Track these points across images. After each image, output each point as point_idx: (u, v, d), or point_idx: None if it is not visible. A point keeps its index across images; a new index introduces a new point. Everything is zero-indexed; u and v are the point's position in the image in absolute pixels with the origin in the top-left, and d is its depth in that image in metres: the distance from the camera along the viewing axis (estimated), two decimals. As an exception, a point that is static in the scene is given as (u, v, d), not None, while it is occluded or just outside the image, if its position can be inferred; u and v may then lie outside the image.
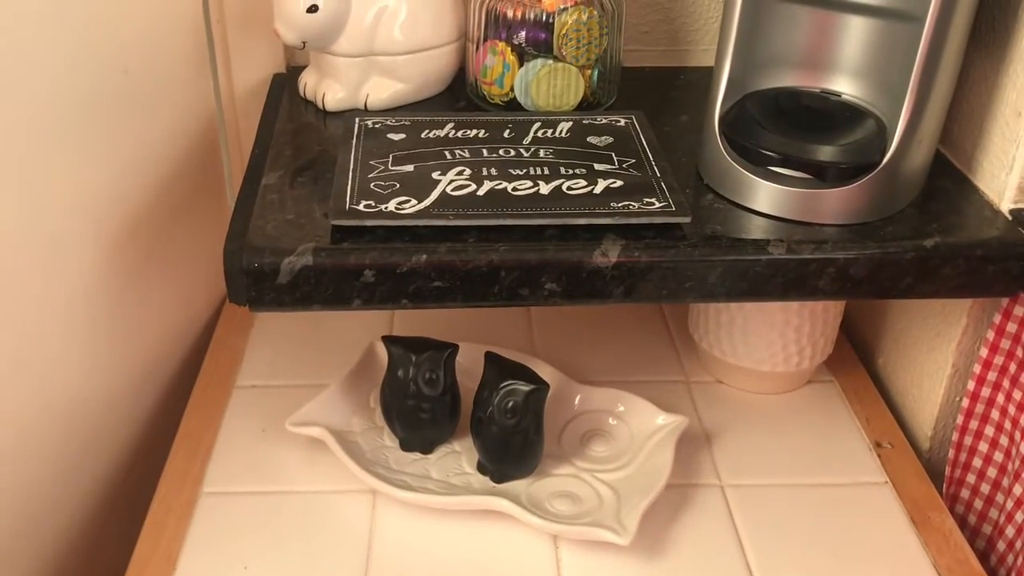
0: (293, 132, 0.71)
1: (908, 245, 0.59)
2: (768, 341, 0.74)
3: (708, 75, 0.67)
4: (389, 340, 0.69)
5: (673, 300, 0.60)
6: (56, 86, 0.63)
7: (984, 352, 0.65)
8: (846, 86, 0.66)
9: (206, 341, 0.83)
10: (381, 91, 0.73)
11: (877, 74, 0.64)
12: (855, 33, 0.64)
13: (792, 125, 0.64)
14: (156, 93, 0.74)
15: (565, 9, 0.69)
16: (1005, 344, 0.64)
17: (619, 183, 0.63)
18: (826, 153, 0.62)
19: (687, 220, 0.59)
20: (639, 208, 0.60)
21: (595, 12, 0.70)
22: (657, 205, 0.60)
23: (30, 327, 0.64)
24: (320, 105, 0.73)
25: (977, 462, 0.68)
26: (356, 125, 0.69)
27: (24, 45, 0.59)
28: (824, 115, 0.65)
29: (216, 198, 0.85)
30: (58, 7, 0.62)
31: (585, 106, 0.73)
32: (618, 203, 0.60)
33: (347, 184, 0.61)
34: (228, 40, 0.78)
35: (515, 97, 0.73)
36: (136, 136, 0.72)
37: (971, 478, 0.69)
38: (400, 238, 0.57)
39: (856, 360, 0.82)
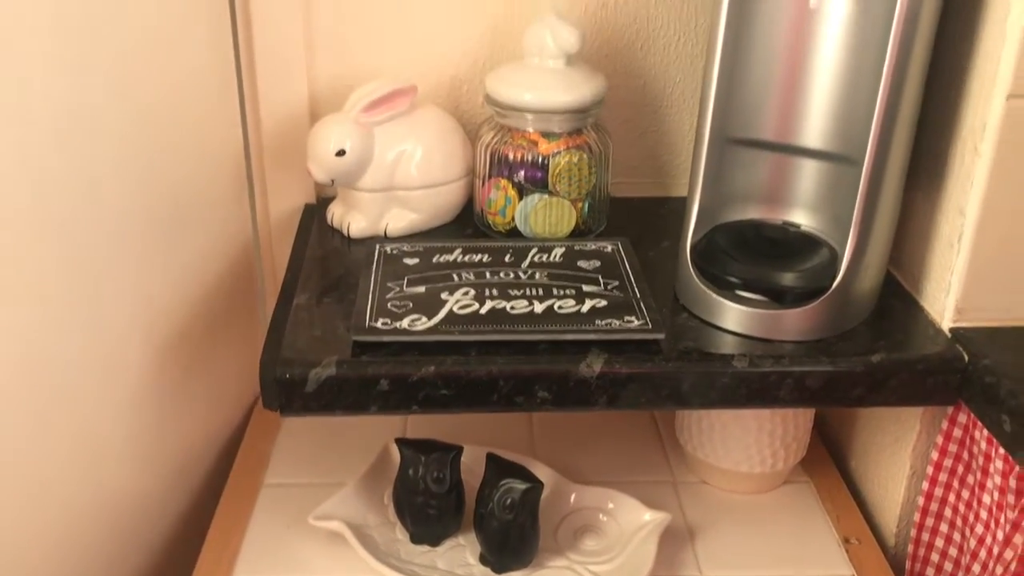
0: (321, 257, 0.81)
1: (857, 360, 0.68)
2: (745, 444, 0.82)
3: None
4: (401, 442, 0.77)
5: (651, 407, 0.68)
6: (121, 215, 0.73)
7: (935, 455, 0.73)
8: (803, 218, 0.75)
9: (237, 442, 0.91)
10: (399, 221, 0.83)
11: (829, 208, 0.74)
12: (808, 173, 0.74)
13: (756, 252, 0.73)
14: (201, 220, 0.85)
15: (558, 152, 0.80)
16: (952, 448, 0.71)
17: (604, 303, 0.72)
18: (785, 278, 0.71)
19: (662, 336, 0.68)
20: (620, 325, 0.69)
21: (584, 155, 0.80)
22: (636, 323, 0.69)
23: (87, 424, 0.73)
24: (345, 233, 0.83)
25: (935, 556, 0.74)
26: (376, 251, 0.79)
27: (99, 185, 0.70)
28: (784, 244, 0.74)
29: (249, 314, 0.94)
30: (124, 153, 0.73)
31: (577, 233, 0.83)
32: (602, 321, 0.69)
33: (367, 304, 0.71)
34: (265, 175, 0.89)
35: (516, 226, 0.83)
36: (183, 257, 0.83)
37: (930, 572, 0.75)
38: (411, 352, 0.66)
39: (830, 462, 0.89)
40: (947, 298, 0.71)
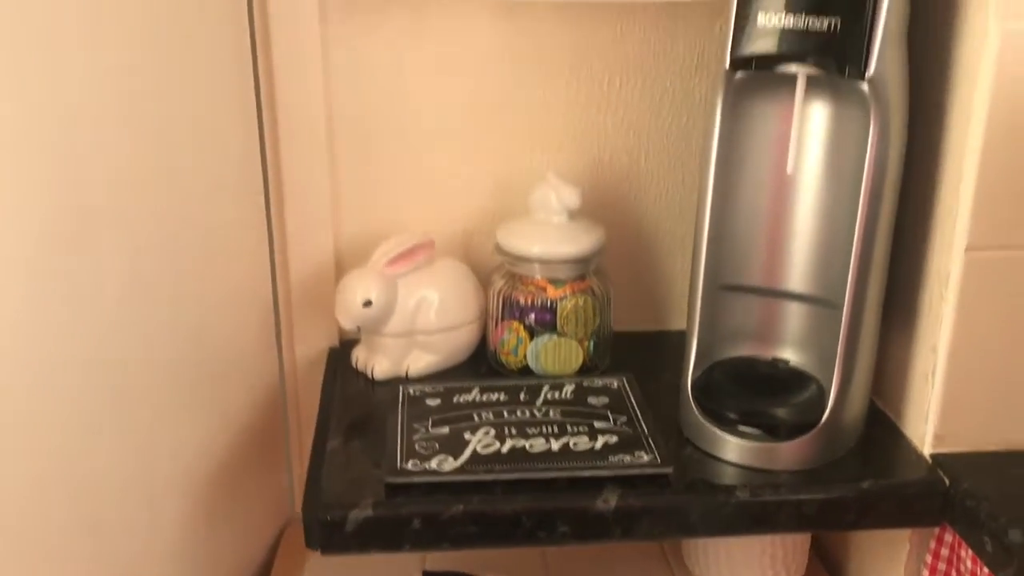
0: (348, 400, 0.87)
1: (848, 487, 0.74)
2: (748, 566, 0.87)
3: (684, 338, 0.83)
4: (427, 575, 0.82)
5: (662, 538, 0.74)
6: (164, 366, 0.80)
7: (925, 574, 0.78)
8: (791, 355, 0.83)
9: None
10: (419, 362, 0.90)
11: (815, 346, 0.81)
12: (794, 315, 0.82)
13: (751, 387, 0.80)
14: (232, 366, 0.91)
15: (565, 296, 0.87)
16: (941, 566, 0.77)
17: (615, 439, 0.78)
18: (779, 412, 0.78)
19: (670, 471, 0.74)
20: (632, 461, 0.75)
21: (589, 298, 0.88)
22: (646, 458, 0.75)
23: (133, 562, 0.77)
24: (370, 375, 0.90)
25: (932, 670, 0.79)
26: (400, 393, 0.86)
27: (151, 343, 0.77)
28: (775, 379, 0.82)
29: (275, 454, 1.00)
30: (171, 309, 0.80)
31: (585, 370, 0.90)
32: (615, 457, 0.75)
33: (396, 446, 0.77)
34: (293, 322, 0.96)
35: (528, 364, 0.89)
36: (214, 404, 0.89)
37: None
38: (441, 492, 0.72)
39: (829, 579, 0.94)
40: (926, 426, 0.78)
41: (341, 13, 0.88)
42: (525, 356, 0.89)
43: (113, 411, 0.74)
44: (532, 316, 0.88)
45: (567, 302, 0.87)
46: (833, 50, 0.68)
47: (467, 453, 0.76)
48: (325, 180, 0.92)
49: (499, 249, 0.89)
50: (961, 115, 0.71)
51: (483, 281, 0.92)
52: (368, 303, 0.86)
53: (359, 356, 0.92)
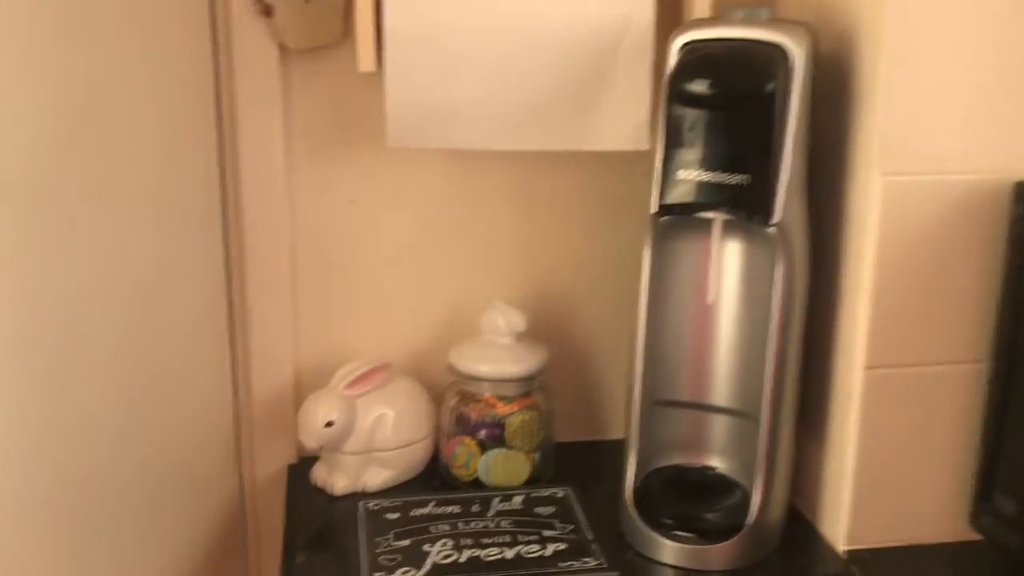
0: (310, 516, 0.92)
1: (774, 584, 0.82)
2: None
3: (621, 447, 0.91)
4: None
5: (610, 637, 0.80)
6: (125, 484, 0.84)
7: (846, 661, 0.86)
8: (719, 463, 0.92)
9: None
10: (377, 478, 0.96)
11: (739, 455, 0.90)
12: (720, 426, 0.91)
13: (684, 494, 0.89)
14: (193, 482, 0.96)
15: (513, 412, 0.95)
16: (859, 654, 0.85)
17: (564, 546, 0.85)
18: (709, 516, 0.86)
19: (616, 575, 0.81)
20: (580, 566, 0.82)
21: (535, 413, 0.96)
22: (593, 563, 0.82)
23: None
24: (329, 492, 0.95)
25: None
26: (360, 508, 0.91)
27: (108, 457, 0.82)
28: (706, 485, 0.90)
29: (237, 570, 1.03)
30: (130, 427, 0.85)
31: (531, 481, 0.97)
32: (564, 563, 0.82)
33: (362, 561, 0.82)
34: (253, 440, 1.01)
35: (479, 477, 0.96)
36: (176, 518, 0.93)
37: None
38: (406, 603, 0.78)
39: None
40: (840, 526, 0.87)
41: (306, 157, 0.97)
42: (476, 469, 0.96)
43: (75, 529, 0.78)
44: (483, 432, 0.96)
45: (515, 418, 0.95)
46: (743, 201, 0.79)
47: (428, 564, 0.82)
48: (287, 307, 0.99)
49: (451, 369, 0.97)
50: (855, 253, 0.82)
51: (436, 399, 1.00)
52: (330, 424, 0.92)
53: (319, 473, 0.97)
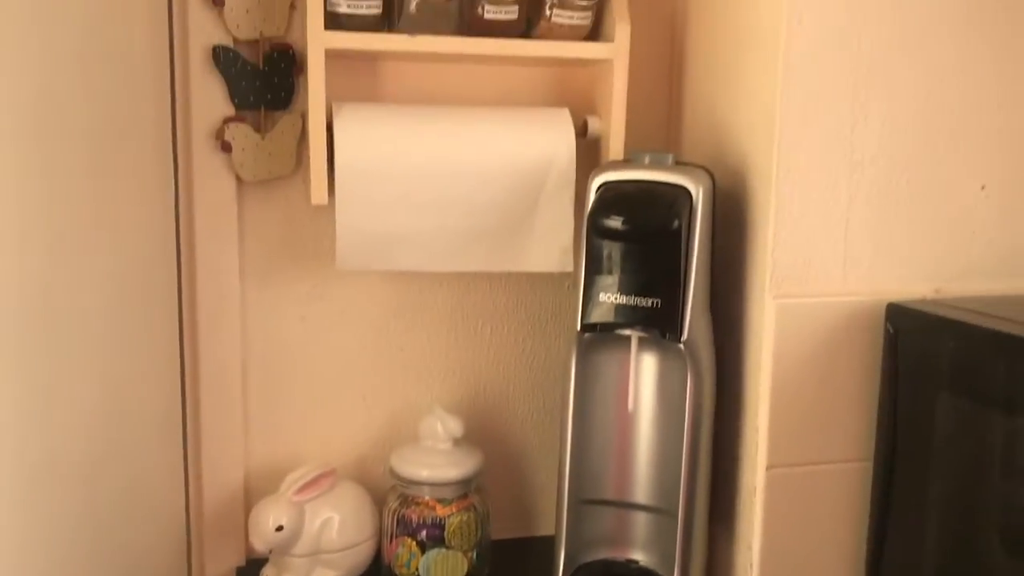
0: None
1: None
2: None
3: (550, 543, 0.98)
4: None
5: None
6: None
7: None
8: (641, 556, 1.00)
9: None
10: (322, 579, 1.02)
11: (659, 548, 0.99)
12: (642, 522, 1.00)
13: (610, 587, 0.97)
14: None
15: (452, 514, 1.02)
16: None
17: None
18: (633, 606, 0.94)
19: (548, 664, 0.88)
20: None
21: (472, 514, 1.03)
22: (526, 654, 0.89)
23: None
24: (279, 596, 1.00)
25: None
26: (308, 609, 0.97)
27: (55, 563, 0.86)
28: (629, 578, 0.98)
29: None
30: (85, 532, 0.90)
31: (469, 578, 1.04)
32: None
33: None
34: (203, 542, 1.06)
35: None
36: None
37: None
38: None
39: None
40: (752, 619, 0.96)
41: (259, 278, 1.05)
42: (417, 569, 1.03)
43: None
44: (423, 532, 1.02)
45: (454, 519, 1.02)
46: (656, 321, 0.89)
47: (374, 660, 0.88)
48: (238, 416, 1.06)
49: (392, 473, 1.04)
50: (754, 365, 0.93)
51: (378, 501, 1.06)
52: (280, 528, 0.98)
53: (268, 574, 1.02)
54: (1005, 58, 0.91)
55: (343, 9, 0.94)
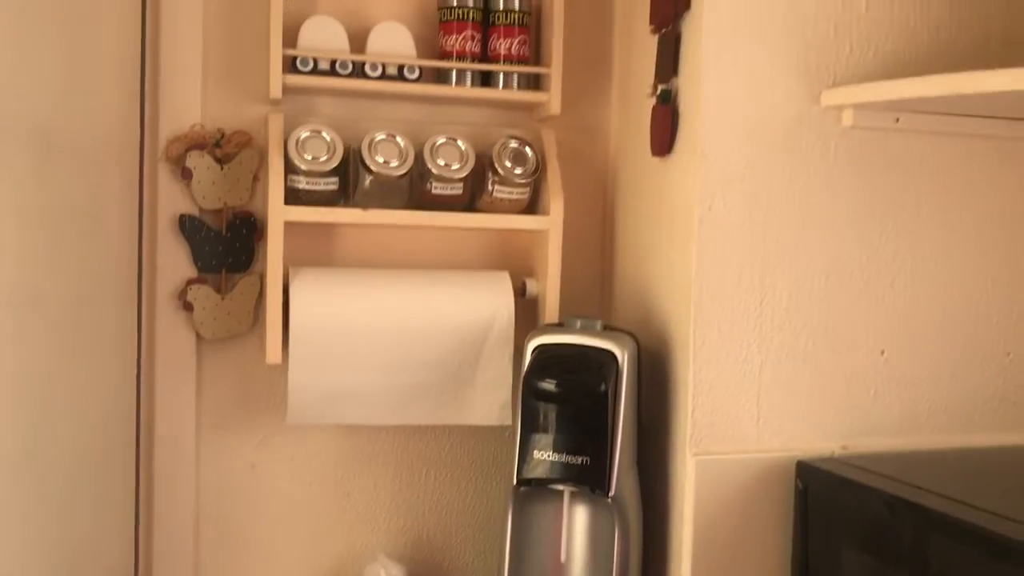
0: None
1: None
2: None
3: None
4: None
5: None
6: None
7: None
8: None
9: None
10: None
11: None
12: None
13: None
14: None
15: (393, 660, 1.06)
16: None
17: None
18: None
19: None
20: None
21: (413, 660, 1.07)
22: None
23: None
24: None
25: None
26: None
27: None
28: None
29: None
30: None
31: None
32: None
33: None
34: None
35: None
36: None
37: None
38: None
39: None
40: None
41: (213, 429, 1.10)
42: None
43: None
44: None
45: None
46: (586, 477, 0.96)
47: None
48: (189, 568, 1.09)
49: (337, 619, 1.08)
50: (677, 516, 1.00)
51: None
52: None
53: None
54: (898, 240, 1.03)
55: (302, 185, 1.03)
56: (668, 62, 1.02)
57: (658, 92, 1.03)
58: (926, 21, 1.01)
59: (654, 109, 1.04)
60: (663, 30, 1.02)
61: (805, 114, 0.99)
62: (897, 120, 1.00)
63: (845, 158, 1.00)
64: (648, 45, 1.06)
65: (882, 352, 1.03)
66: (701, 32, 0.97)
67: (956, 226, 1.04)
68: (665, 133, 1.02)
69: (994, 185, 1.05)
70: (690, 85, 0.99)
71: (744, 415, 0.99)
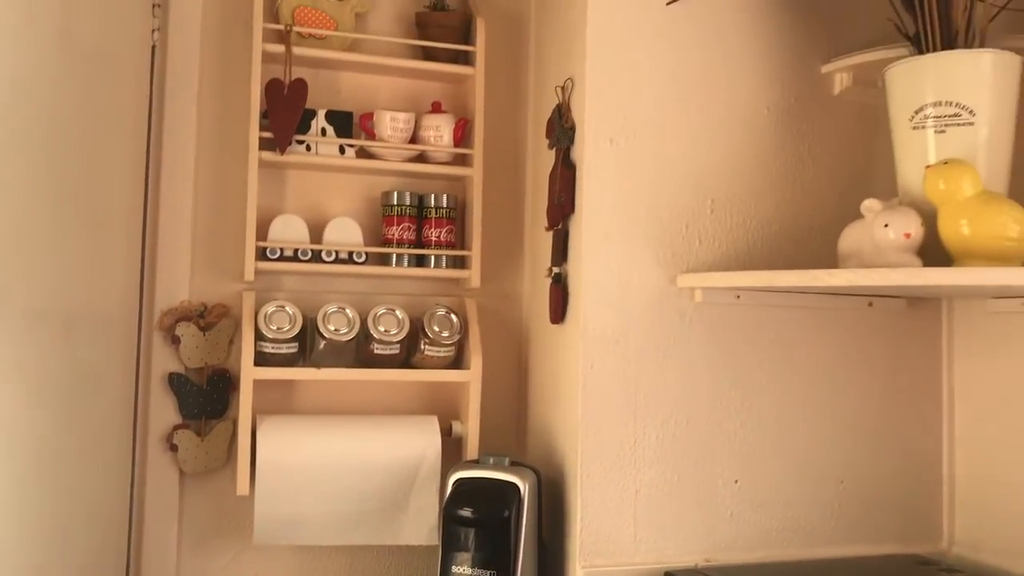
0: None
1: None
2: None
3: None
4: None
5: None
6: None
7: None
8: None
9: None
10: None
11: None
12: None
13: None
14: None
15: None
16: None
17: None
18: None
19: None
20: None
21: None
22: None
23: None
24: None
25: None
26: None
27: None
28: None
29: None
30: None
31: None
32: None
33: None
34: None
35: None
36: None
37: None
38: None
39: None
40: None
41: (191, 549, 1.32)
42: None
43: None
44: None
45: None
46: (494, 589, 1.19)
47: None
48: (166, 666, 1.30)
49: None
50: (571, 619, 1.23)
51: None
52: None
53: None
54: (744, 389, 1.29)
55: (269, 349, 1.29)
56: (559, 252, 1.30)
57: (552, 274, 1.31)
58: (758, 220, 1.30)
59: (550, 287, 1.31)
60: (555, 228, 1.31)
61: (664, 293, 1.26)
62: (738, 296, 1.28)
63: (698, 326, 1.27)
64: (546, 237, 1.34)
65: (736, 481, 1.28)
66: (582, 231, 1.25)
67: (790, 377, 1.31)
68: (558, 306, 1.29)
69: (816, 343, 1.32)
70: (575, 270, 1.27)
71: (623, 534, 1.23)
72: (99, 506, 1.24)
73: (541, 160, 1.39)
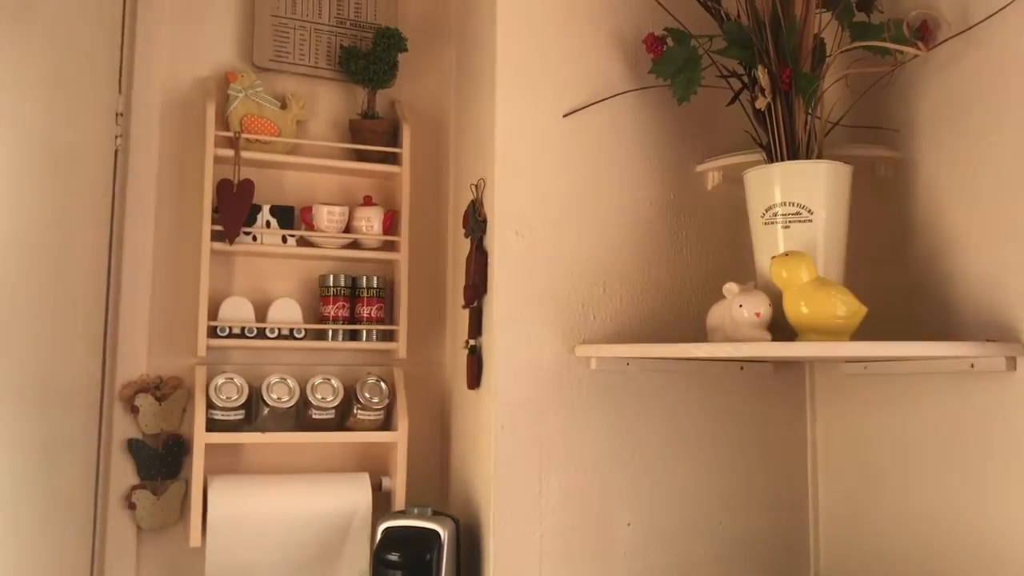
0: None
1: None
2: None
3: None
4: None
5: None
6: None
7: None
8: None
9: None
10: None
11: None
12: None
13: None
14: None
15: None
16: None
17: None
18: None
19: None
20: None
21: None
22: None
23: None
24: None
25: None
26: None
27: None
28: None
29: None
30: None
31: None
32: None
33: None
34: None
35: None
36: None
37: None
38: None
39: None
40: None
41: (147, 598, 1.47)
42: None
43: None
44: None
45: None
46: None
47: None
48: None
49: None
50: (486, 650, 1.40)
51: None
52: None
53: None
54: (635, 444, 1.49)
55: (218, 416, 1.46)
56: (475, 326, 1.50)
57: (469, 346, 1.51)
58: (644, 297, 1.52)
59: (467, 357, 1.51)
60: (471, 306, 1.51)
61: (564, 361, 1.46)
62: (628, 364, 1.49)
63: (594, 390, 1.47)
64: (464, 314, 1.54)
65: (628, 524, 1.47)
66: (493, 309, 1.45)
67: (674, 432, 1.52)
68: (474, 374, 1.49)
69: (696, 403, 1.53)
70: (488, 343, 1.47)
71: (530, 573, 1.41)
72: (63, 559, 1.39)
73: (459, 247, 1.60)
